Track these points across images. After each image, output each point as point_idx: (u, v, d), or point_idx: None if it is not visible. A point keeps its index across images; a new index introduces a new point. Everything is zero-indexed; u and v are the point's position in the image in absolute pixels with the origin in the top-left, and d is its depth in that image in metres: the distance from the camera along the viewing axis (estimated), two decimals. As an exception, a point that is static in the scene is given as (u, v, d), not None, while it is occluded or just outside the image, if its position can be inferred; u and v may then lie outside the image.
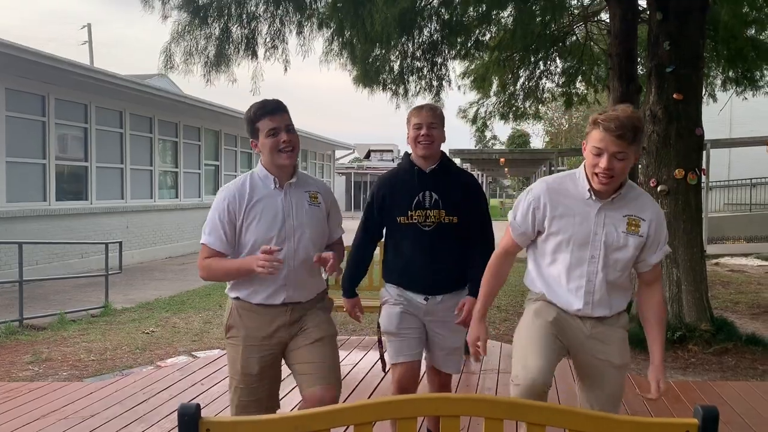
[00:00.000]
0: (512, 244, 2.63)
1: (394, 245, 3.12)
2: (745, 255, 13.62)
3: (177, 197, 15.28)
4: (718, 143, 14.98)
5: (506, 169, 29.54)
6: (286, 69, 7.56)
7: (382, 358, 3.36)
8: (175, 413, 1.53)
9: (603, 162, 2.32)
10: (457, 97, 59.93)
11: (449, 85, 9.09)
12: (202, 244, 2.76)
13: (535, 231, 2.55)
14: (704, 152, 6.69)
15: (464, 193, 3.07)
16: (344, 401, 4.02)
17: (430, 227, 3.00)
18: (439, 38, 8.26)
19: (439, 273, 3.03)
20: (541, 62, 10.36)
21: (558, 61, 10.54)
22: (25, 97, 10.58)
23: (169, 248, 14.69)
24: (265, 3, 7.09)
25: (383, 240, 3.25)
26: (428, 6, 7.80)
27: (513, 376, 2.40)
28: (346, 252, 3.16)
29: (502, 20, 8.71)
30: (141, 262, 13.36)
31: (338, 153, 28.81)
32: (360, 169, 39.35)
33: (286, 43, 7.41)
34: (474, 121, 12.14)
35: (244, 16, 7.12)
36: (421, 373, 3.27)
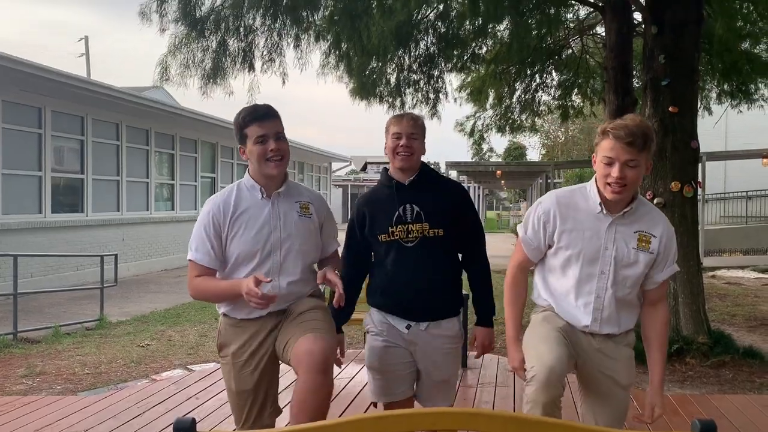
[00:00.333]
0: (525, 259, 2.60)
1: (378, 265, 2.86)
2: (742, 267, 13.64)
3: (173, 209, 15.27)
4: (714, 156, 15.06)
5: (503, 182, 29.65)
6: (284, 82, 7.61)
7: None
8: (171, 427, 1.52)
9: (615, 171, 2.30)
10: (454, 109, 60.14)
11: (446, 98, 9.17)
12: (189, 260, 2.65)
13: (546, 245, 2.52)
14: (700, 165, 6.70)
15: (450, 203, 2.81)
16: (340, 416, 4.00)
17: (413, 242, 2.74)
18: (436, 51, 8.31)
19: (421, 293, 2.74)
20: (537, 75, 10.42)
21: (554, 74, 10.60)
22: (21, 109, 10.58)
23: (165, 261, 14.65)
24: (263, 16, 7.11)
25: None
26: (425, 19, 7.85)
27: (528, 375, 2.31)
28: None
29: (499, 33, 8.78)
30: (137, 275, 13.31)
31: (335, 165, 28.86)
32: (357, 182, 39.41)
33: (284, 56, 7.46)
34: (471, 134, 12.18)
35: (241, 29, 7.16)
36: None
